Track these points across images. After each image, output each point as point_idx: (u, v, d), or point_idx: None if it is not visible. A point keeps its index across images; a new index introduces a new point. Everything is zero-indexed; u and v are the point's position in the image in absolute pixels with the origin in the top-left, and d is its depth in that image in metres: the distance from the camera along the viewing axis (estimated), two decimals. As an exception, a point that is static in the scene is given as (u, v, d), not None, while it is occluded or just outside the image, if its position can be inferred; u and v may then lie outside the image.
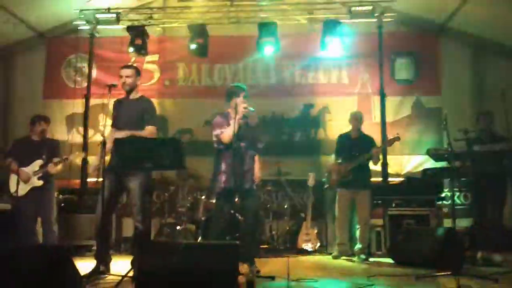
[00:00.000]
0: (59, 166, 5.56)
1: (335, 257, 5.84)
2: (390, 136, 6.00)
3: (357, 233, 5.84)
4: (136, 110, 4.59)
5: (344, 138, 6.15)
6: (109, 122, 4.74)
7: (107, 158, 4.53)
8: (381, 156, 6.08)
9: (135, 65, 5.11)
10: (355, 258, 5.75)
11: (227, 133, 4.48)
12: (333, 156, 6.18)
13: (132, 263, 4.36)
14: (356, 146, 5.91)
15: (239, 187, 4.57)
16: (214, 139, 4.61)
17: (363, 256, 5.68)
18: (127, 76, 4.61)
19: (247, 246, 4.66)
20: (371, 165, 5.99)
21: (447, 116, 4.79)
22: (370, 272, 4.64)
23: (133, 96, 4.67)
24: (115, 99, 4.73)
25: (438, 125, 7.53)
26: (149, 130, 4.54)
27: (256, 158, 4.78)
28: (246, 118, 4.56)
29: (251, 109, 4.50)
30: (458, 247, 4.85)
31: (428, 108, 7.95)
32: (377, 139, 7.01)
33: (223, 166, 4.58)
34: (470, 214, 6.02)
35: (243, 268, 4.49)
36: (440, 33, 8.04)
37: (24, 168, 5.45)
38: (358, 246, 5.81)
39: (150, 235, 4.53)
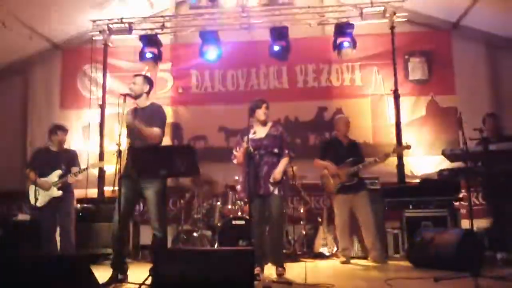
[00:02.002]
0: (79, 176, 5.67)
1: (343, 262, 5.78)
2: (403, 141, 5.90)
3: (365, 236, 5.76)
4: (146, 116, 4.61)
5: (334, 144, 6.00)
6: (125, 131, 4.67)
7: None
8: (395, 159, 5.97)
9: (147, 74, 5.18)
10: (370, 261, 5.71)
11: (237, 158, 4.88)
12: (320, 161, 5.93)
13: (151, 271, 4.40)
14: (350, 151, 5.85)
15: (255, 195, 4.66)
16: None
17: (379, 260, 5.62)
18: (134, 83, 4.68)
19: (274, 248, 4.83)
20: (387, 167, 5.95)
21: (462, 115, 4.75)
22: (388, 276, 4.60)
23: (143, 104, 4.70)
24: (130, 109, 4.79)
25: (454, 125, 7.44)
26: (154, 131, 4.53)
27: (284, 160, 4.84)
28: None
29: (250, 149, 4.66)
30: (477, 248, 4.78)
31: (443, 107, 7.86)
32: (392, 140, 7.03)
33: (241, 177, 4.87)
34: (489, 215, 5.92)
35: (278, 270, 4.63)
36: (453, 31, 7.96)
37: (43, 178, 5.53)
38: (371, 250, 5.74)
39: (167, 242, 4.56)
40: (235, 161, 4.94)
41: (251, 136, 4.79)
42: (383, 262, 5.61)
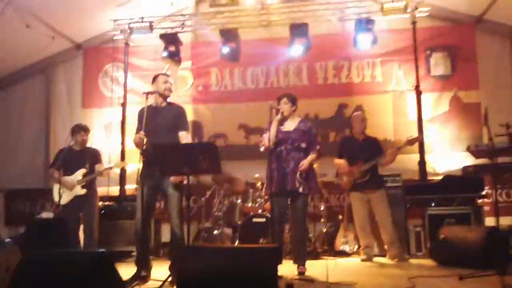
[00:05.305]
0: (104, 173, 5.76)
1: (363, 260, 5.73)
2: (411, 136, 5.78)
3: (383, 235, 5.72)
4: (170, 116, 4.63)
5: (349, 141, 6.03)
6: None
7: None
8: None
9: (167, 72, 5.20)
10: (389, 260, 5.66)
11: (265, 137, 4.74)
12: (337, 160, 5.96)
13: (170, 268, 4.42)
14: (364, 148, 5.80)
15: (282, 191, 4.65)
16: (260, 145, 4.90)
17: (398, 258, 5.57)
18: (168, 82, 4.69)
19: (297, 247, 4.82)
20: (408, 165, 5.87)
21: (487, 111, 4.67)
22: (410, 274, 4.55)
23: (164, 103, 4.72)
24: (144, 106, 4.80)
25: (478, 121, 7.31)
26: (185, 136, 4.64)
27: (312, 155, 4.78)
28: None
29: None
30: (502, 246, 4.70)
31: (466, 103, 7.70)
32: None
33: (268, 172, 4.71)
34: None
35: (300, 269, 4.61)
36: (476, 26, 7.79)
37: (67, 177, 5.61)
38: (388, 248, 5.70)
39: (185, 240, 4.58)
40: (262, 149, 4.81)
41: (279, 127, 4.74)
42: (402, 260, 5.55)
